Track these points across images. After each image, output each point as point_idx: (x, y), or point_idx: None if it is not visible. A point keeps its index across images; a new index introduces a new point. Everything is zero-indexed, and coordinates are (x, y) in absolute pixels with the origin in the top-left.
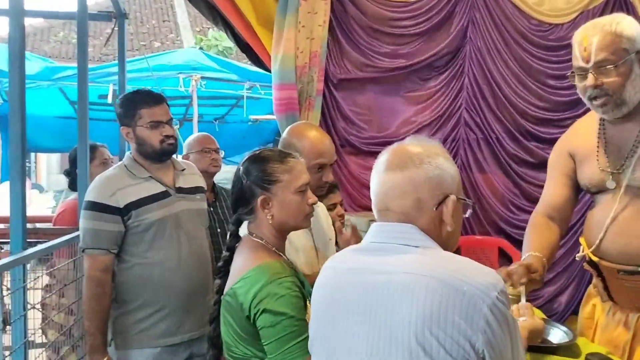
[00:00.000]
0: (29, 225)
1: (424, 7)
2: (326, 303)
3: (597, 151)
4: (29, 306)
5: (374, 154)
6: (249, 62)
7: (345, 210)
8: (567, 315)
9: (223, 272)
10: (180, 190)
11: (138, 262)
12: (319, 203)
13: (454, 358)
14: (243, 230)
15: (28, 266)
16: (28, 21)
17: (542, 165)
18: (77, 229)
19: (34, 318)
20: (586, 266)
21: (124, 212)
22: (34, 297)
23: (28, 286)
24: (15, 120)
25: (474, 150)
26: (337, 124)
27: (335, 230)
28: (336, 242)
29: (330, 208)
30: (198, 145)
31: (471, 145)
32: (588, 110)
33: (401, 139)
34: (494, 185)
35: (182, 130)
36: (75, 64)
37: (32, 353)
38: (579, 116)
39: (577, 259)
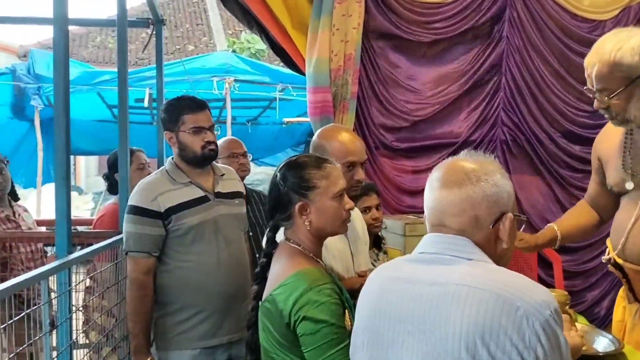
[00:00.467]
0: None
1: (458, 7)
2: (373, 312)
3: (623, 153)
4: (73, 308)
5: (409, 157)
6: (282, 64)
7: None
8: (609, 320)
9: (260, 278)
10: (219, 195)
11: (178, 265)
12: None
13: None
14: (279, 236)
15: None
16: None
17: (582, 167)
18: (118, 233)
19: (77, 319)
20: (611, 268)
21: (164, 216)
22: (76, 299)
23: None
24: (60, 126)
25: (512, 151)
26: (371, 126)
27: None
28: (372, 246)
29: (364, 211)
30: (226, 150)
31: (509, 146)
32: None
33: (437, 142)
34: (532, 186)
35: None
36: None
37: (75, 353)
38: None
39: (603, 261)
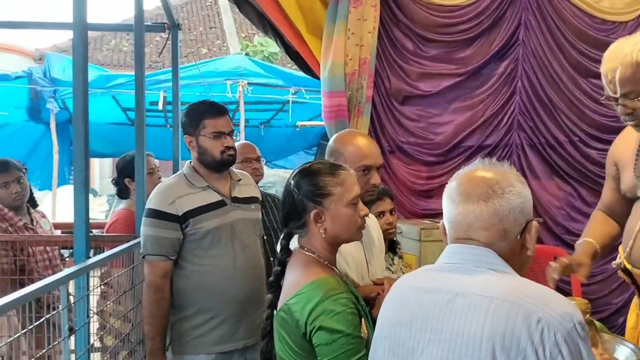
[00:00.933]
0: None
1: (474, 11)
2: (394, 321)
3: (635, 159)
4: (91, 313)
5: (424, 161)
6: (295, 67)
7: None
8: None
9: (275, 287)
10: (235, 200)
11: (194, 269)
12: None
13: None
14: (293, 244)
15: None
16: None
17: (600, 171)
18: (133, 237)
19: (93, 321)
20: (620, 274)
21: (182, 220)
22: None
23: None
24: (79, 132)
25: (528, 156)
26: (386, 130)
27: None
28: (387, 250)
29: (378, 216)
30: (239, 155)
31: (525, 151)
32: None
33: (452, 145)
34: (548, 191)
35: None
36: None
37: (92, 357)
38: None
39: (613, 266)
